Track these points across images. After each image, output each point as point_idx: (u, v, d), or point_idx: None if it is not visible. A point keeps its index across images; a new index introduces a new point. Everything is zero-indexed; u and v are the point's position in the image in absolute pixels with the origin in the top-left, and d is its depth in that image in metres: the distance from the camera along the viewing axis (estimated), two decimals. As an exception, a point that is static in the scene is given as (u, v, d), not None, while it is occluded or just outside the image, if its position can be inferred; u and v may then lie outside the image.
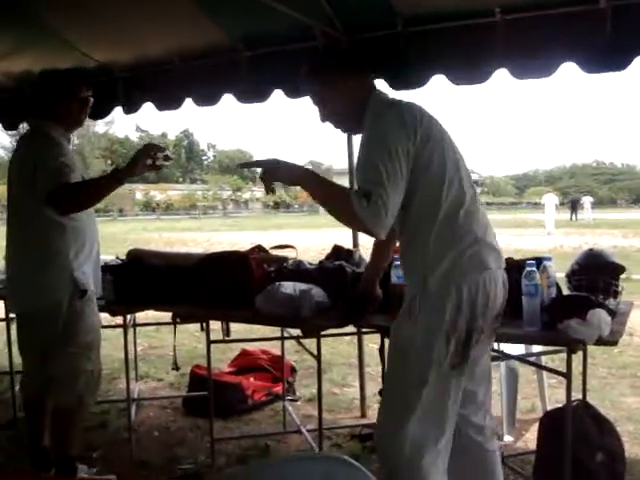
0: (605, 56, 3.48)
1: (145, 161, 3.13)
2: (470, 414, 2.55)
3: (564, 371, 2.71)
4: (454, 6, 3.87)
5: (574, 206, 41.81)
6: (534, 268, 2.68)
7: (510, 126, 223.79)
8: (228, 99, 4.84)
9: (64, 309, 3.22)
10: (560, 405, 3.37)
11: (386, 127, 2.33)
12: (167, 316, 3.99)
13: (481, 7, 3.79)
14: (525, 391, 4.82)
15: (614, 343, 2.67)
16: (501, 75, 3.83)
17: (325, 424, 3.93)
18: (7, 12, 4.35)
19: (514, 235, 26.11)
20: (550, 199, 30.71)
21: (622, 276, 3.13)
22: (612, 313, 2.71)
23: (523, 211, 71.39)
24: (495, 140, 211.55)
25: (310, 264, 3.66)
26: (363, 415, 4.61)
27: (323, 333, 3.26)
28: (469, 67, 3.92)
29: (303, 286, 3.23)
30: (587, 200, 42.30)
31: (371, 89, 2.57)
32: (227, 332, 3.75)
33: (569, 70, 3.66)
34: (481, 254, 2.37)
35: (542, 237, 24.76)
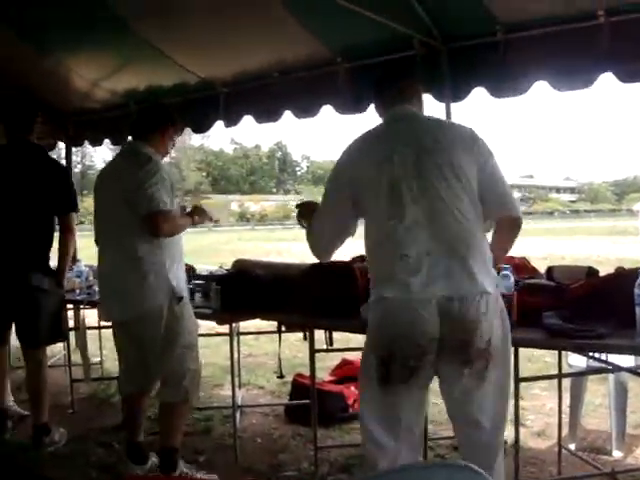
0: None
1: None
2: None
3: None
4: (550, 11, 3.80)
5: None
6: (647, 277, 2.59)
7: (609, 131, 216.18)
8: (327, 111, 4.91)
9: (165, 313, 3.44)
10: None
11: None
12: (269, 325, 4.08)
13: (579, 10, 3.71)
14: (635, 405, 4.66)
15: None
16: (607, 79, 3.74)
17: (428, 435, 3.91)
18: (114, 32, 4.57)
19: (613, 243, 25.23)
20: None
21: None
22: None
23: (623, 218, 68.93)
24: (594, 145, 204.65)
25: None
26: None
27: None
28: (572, 72, 3.84)
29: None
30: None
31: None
32: (330, 341, 3.77)
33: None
34: (377, 282, 2.54)
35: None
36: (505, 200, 2.56)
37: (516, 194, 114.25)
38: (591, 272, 3.11)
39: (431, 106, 4.37)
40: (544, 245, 26.13)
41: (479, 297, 2.34)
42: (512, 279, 2.96)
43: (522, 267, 3.35)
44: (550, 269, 3.23)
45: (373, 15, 3.77)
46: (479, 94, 4.23)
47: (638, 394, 4.60)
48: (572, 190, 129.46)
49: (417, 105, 2.76)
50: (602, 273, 3.22)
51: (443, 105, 4.39)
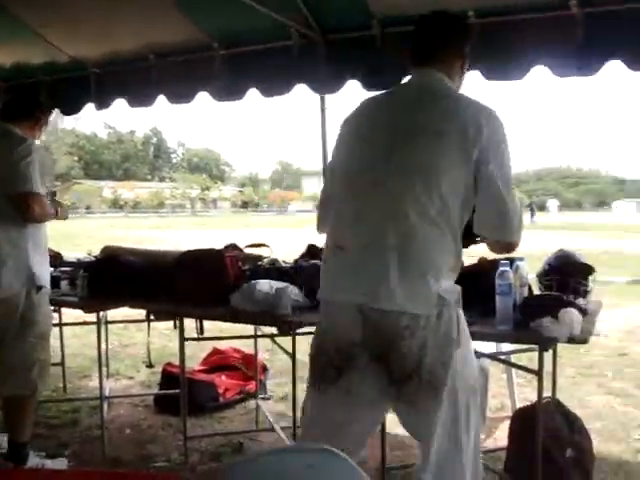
0: (578, 60, 3.54)
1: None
2: None
3: (535, 369, 2.76)
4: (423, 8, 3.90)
5: (532, 209, 43.24)
6: (507, 268, 2.72)
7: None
8: (203, 97, 4.83)
9: (22, 301, 3.34)
10: (529, 403, 3.45)
11: None
12: (138, 313, 3.99)
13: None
14: (494, 390, 4.89)
15: (585, 341, 2.72)
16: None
17: (299, 423, 3.95)
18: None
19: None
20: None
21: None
22: (583, 312, 2.77)
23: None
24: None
25: (285, 263, 3.67)
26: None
27: (299, 331, 3.27)
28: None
29: (279, 284, 3.25)
30: (553, 203, 43.24)
31: None
32: (201, 330, 3.74)
33: (539, 74, 3.74)
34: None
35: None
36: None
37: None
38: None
39: (308, 96, 4.43)
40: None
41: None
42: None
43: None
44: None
45: (252, 2, 3.76)
46: (353, 86, 4.30)
47: (498, 379, 4.84)
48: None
49: (447, 71, 2.28)
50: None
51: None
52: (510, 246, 2.23)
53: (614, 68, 3.45)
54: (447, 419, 2.14)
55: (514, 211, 2.14)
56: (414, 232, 2.08)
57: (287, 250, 5.34)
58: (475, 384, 2.29)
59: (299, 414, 4.00)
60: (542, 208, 45.71)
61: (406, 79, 2.41)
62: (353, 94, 4.41)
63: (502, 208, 2.13)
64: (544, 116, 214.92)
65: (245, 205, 77.16)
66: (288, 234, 25.87)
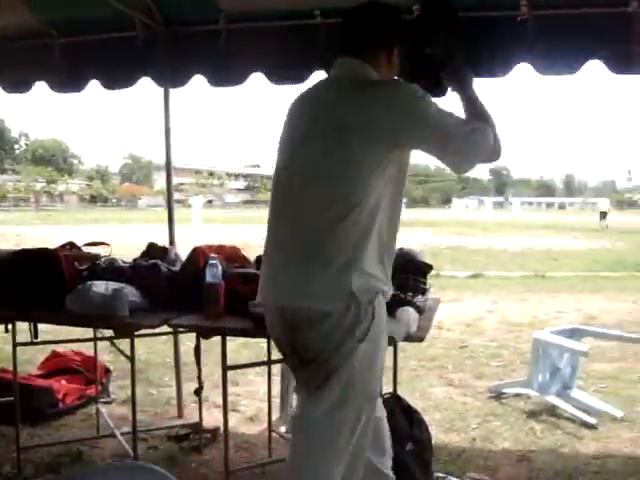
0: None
1: None
2: None
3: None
4: (272, 7, 3.91)
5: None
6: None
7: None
8: (41, 87, 4.57)
9: None
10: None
11: None
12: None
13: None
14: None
15: (421, 339, 2.80)
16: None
17: (141, 426, 3.84)
18: None
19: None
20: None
21: (432, 272, 3.29)
22: (420, 310, 2.85)
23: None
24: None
25: (124, 262, 3.54)
26: (180, 415, 4.54)
27: (138, 333, 3.17)
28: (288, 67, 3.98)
29: (116, 285, 3.13)
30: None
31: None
32: (35, 334, 3.53)
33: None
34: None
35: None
36: None
37: (242, 183, 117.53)
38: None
39: (152, 89, 4.31)
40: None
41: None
42: (219, 268, 2.98)
43: (232, 256, 3.39)
44: (259, 258, 3.30)
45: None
46: (200, 81, 4.21)
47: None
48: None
49: (371, 62, 2.30)
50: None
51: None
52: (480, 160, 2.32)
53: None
54: (333, 410, 2.19)
55: (459, 141, 2.21)
56: (322, 230, 2.12)
57: (134, 247, 5.18)
58: (373, 392, 2.29)
59: (141, 417, 3.91)
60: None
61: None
62: (201, 89, 4.35)
63: (446, 146, 2.23)
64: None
65: (94, 199, 74.71)
66: (137, 230, 25.30)
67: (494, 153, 2.33)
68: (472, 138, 2.22)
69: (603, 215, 36.43)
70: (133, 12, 4.06)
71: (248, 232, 27.70)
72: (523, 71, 3.66)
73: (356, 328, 2.12)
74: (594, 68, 3.57)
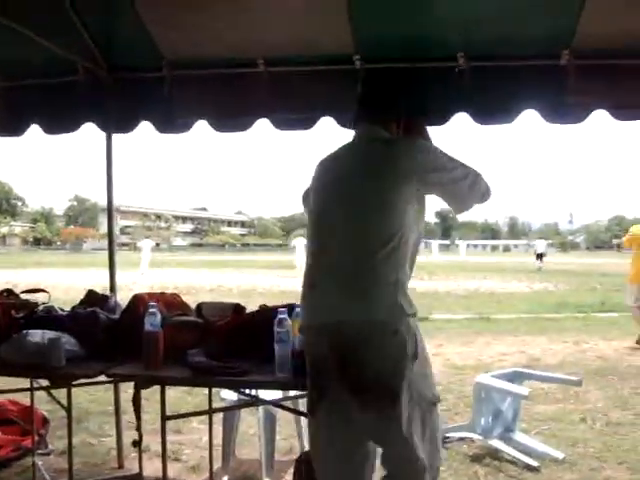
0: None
1: None
2: None
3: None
4: (214, 53, 3.96)
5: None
6: (285, 315, 2.75)
7: (278, 169, 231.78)
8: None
9: None
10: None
11: None
12: None
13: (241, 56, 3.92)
14: (286, 432, 4.92)
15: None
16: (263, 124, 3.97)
17: (79, 477, 3.73)
18: None
19: (278, 276, 27.09)
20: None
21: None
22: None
23: (289, 253, 74.17)
24: (262, 182, 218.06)
25: (62, 310, 3.47)
26: (120, 466, 4.40)
27: (76, 382, 3.09)
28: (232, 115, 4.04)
29: (52, 334, 3.05)
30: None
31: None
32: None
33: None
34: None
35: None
36: None
37: (189, 226, 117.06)
38: (238, 309, 3.20)
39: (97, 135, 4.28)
40: (214, 277, 26.99)
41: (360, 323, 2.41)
42: (159, 316, 2.93)
43: (173, 303, 3.35)
44: (199, 306, 3.28)
45: (31, 34, 3.55)
46: (146, 128, 4.21)
47: (289, 421, 4.86)
48: (243, 224, 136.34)
49: (384, 126, 2.73)
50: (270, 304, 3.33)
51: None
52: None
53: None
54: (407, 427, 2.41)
55: (466, 186, 2.65)
56: (370, 256, 2.44)
57: (78, 291, 5.08)
58: (434, 398, 2.54)
59: (80, 468, 3.80)
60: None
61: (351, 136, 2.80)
62: (146, 132, 4.35)
63: (458, 193, 2.70)
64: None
65: (37, 242, 73.26)
66: (82, 274, 24.87)
67: (487, 194, 2.75)
68: (474, 182, 2.67)
69: (539, 256, 37.48)
70: (76, 57, 4.04)
71: (197, 276, 27.79)
72: (462, 120, 3.76)
73: (407, 344, 2.40)
74: (530, 117, 3.70)
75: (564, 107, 3.68)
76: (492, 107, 3.73)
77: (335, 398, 2.45)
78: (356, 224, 2.50)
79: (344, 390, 2.42)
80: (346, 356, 2.38)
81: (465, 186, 2.64)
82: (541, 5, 3.40)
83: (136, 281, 21.75)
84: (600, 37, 3.47)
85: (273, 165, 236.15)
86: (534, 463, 4.38)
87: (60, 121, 4.32)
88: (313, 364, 2.52)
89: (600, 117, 3.65)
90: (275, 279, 25.56)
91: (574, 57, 3.58)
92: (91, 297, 3.57)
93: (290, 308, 2.82)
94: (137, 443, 3.27)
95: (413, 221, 2.51)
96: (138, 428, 3.15)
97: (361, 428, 2.50)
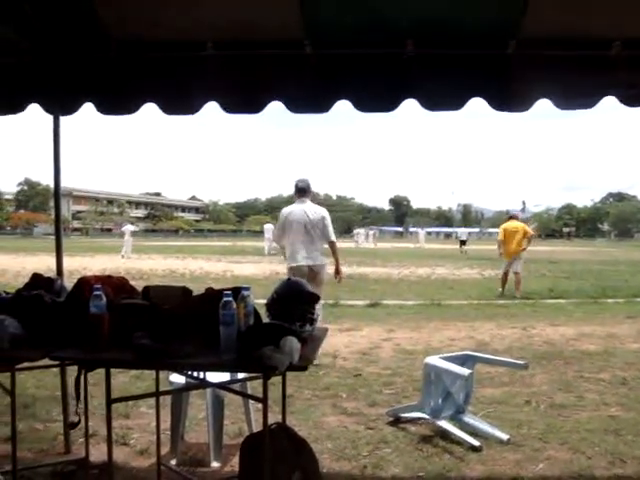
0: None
1: None
2: None
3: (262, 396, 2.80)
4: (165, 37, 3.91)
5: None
6: (230, 298, 2.76)
7: (232, 155, 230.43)
8: None
9: None
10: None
11: None
12: None
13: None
14: (235, 416, 4.94)
15: (304, 369, 2.82)
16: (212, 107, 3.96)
17: (25, 464, 3.71)
18: None
19: (233, 262, 27.02)
20: (269, 227, 32.39)
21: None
22: (303, 340, 2.87)
23: (243, 238, 74.27)
24: (217, 168, 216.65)
25: (7, 293, 3.41)
26: (67, 451, 4.36)
27: (21, 366, 3.06)
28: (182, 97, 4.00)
29: (-5, 316, 3.00)
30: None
31: None
32: None
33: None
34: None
35: (261, 264, 25.62)
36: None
37: (142, 211, 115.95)
38: (185, 292, 3.20)
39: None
40: (167, 263, 26.79)
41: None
42: (104, 299, 2.90)
43: (120, 287, 3.32)
44: (147, 289, 3.26)
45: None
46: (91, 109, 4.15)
47: (239, 406, 4.88)
48: (197, 210, 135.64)
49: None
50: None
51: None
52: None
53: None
54: None
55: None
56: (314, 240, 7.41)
57: (25, 277, 5.00)
58: None
59: (26, 454, 3.74)
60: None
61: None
62: (91, 116, 4.28)
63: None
64: (295, 145, 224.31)
65: (-14, 227, 71.65)
66: (32, 259, 24.46)
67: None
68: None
69: (462, 243, 44.63)
70: (21, 37, 3.96)
71: (149, 262, 27.50)
72: (411, 107, 3.81)
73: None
74: (478, 104, 3.76)
75: (510, 95, 3.76)
76: (440, 94, 3.80)
77: None
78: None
79: None
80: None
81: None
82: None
83: (87, 266, 21.52)
84: (546, 28, 3.56)
85: (228, 150, 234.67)
86: (477, 443, 4.48)
87: (4, 102, 4.22)
88: None
89: (545, 106, 3.76)
90: (228, 265, 25.48)
91: (520, 47, 3.66)
92: (36, 280, 3.51)
93: (236, 291, 2.82)
94: (74, 425, 3.26)
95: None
96: (76, 411, 3.13)
97: None
